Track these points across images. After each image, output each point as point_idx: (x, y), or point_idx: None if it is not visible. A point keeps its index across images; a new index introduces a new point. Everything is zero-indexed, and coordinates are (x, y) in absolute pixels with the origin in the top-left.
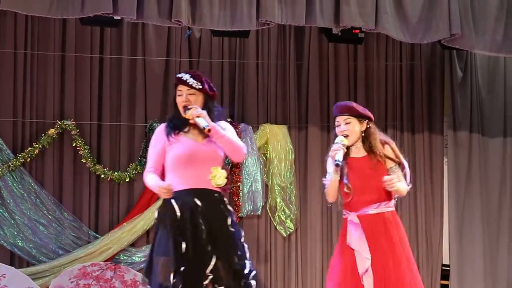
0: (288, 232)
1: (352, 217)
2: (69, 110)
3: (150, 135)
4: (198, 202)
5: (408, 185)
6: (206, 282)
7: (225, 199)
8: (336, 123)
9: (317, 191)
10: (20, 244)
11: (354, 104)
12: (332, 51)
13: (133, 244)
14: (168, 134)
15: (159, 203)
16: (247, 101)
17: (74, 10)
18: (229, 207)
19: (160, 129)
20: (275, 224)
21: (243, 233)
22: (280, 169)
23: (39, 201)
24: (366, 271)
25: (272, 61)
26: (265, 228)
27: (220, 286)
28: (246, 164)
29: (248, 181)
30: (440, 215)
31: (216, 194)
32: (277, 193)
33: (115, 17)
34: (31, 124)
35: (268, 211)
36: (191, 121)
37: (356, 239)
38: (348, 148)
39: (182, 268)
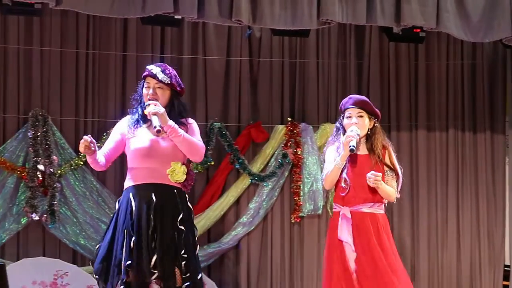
0: None
1: (345, 211)
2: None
3: (211, 135)
4: (154, 197)
5: (397, 193)
6: (153, 277)
7: (186, 195)
8: (348, 114)
9: None
10: (82, 242)
11: (368, 100)
12: (393, 51)
13: None
14: (129, 126)
15: (219, 202)
16: (308, 100)
17: (135, 9)
18: (187, 204)
19: (124, 120)
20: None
21: (197, 233)
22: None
23: (101, 199)
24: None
25: (332, 60)
26: (325, 228)
27: (168, 282)
28: (307, 163)
29: (309, 180)
30: (502, 215)
31: (175, 190)
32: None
33: (175, 17)
34: (93, 123)
35: (329, 210)
36: (148, 117)
37: (346, 232)
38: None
39: (128, 262)
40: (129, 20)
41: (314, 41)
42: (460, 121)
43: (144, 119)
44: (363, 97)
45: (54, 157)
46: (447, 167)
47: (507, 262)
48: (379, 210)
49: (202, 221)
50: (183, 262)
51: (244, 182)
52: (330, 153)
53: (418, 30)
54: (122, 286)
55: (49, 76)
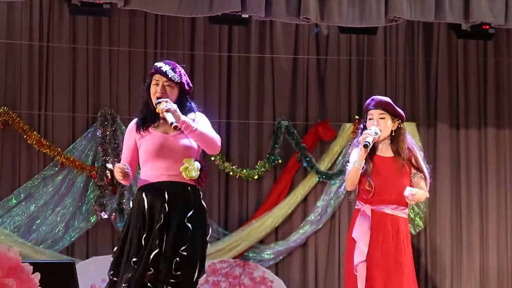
0: (418, 230)
1: (365, 208)
2: (198, 108)
3: (279, 133)
4: (166, 195)
5: (427, 193)
6: (148, 273)
7: (200, 193)
8: (369, 116)
9: (446, 188)
10: None
11: (391, 101)
12: (462, 47)
13: (262, 241)
14: (137, 129)
15: (287, 200)
16: None
17: (202, 9)
18: (200, 202)
19: (131, 125)
20: None
21: (209, 231)
22: None
23: None
24: (358, 265)
25: (400, 58)
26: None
27: (160, 281)
28: None
29: None
30: None
31: (188, 187)
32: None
33: (243, 15)
34: None
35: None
36: (160, 115)
37: (360, 231)
38: (374, 144)
39: (134, 260)
40: (196, 19)
41: (382, 38)
42: None
43: (153, 117)
44: (386, 98)
45: None
46: None
47: None
48: (402, 214)
49: (270, 220)
50: (177, 258)
51: (311, 180)
52: (354, 153)
53: (487, 26)
54: (126, 285)
55: (117, 75)
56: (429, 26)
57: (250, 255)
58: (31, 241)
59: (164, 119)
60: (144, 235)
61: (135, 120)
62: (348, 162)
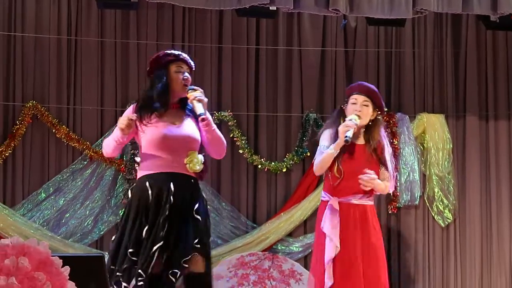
0: (447, 223)
1: (333, 201)
2: (226, 101)
3: (307, 126)
4: (172, 187)
5: (390, 189)
6: (152, 264)
7: (200, 185)
8: (352, 100)
9: (476, 180)
10: None
11: (377, 90)
12: (490, 39)
13: (290, 234)
14: (142, 116)
15: (315, 193)
16: (404, 90)
17: (230, 1)
18: (203, 195)
19: (130, 109)
20: (433, 215)
21: (210, 222)
22: (437, 159)
23: None
24: (329, 261)
25: (428, 49)
26: (422, 219)
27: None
28: (403, 153)
29: (406, 171)
30: None
31: (192, 180)
32: (435, 183)
33: (271, 8)
34: None
35: (426, 201)
36: (189, 101)
37: (330, 225)
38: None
39: (129, 251)
40: (224, 12)
41: (410, 30)
42: None
43: (163, 105)
44: (372, 86)
45: None
46: None
47: None
48: (369, 201)
49: (299, 212)
50: (200, 247)
51: None
52: (326, 136)
53: None
54: (120, 274)
55: (145, 69)
56: (457, 17)
57: (279, 248)
58: (60, 235)
59: (175, 107)
60: (146, 226)
61: (134, 105)
62: (319, 146)
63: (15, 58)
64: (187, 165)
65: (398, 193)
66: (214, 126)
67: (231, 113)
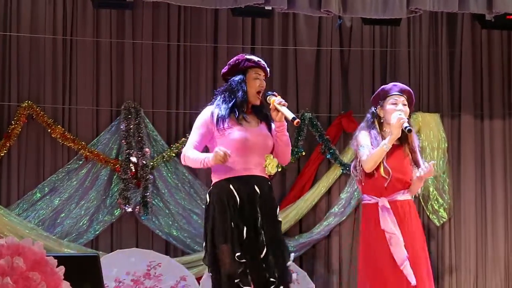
0: (442, 222)
1: (383, 202)
2: None
3: (302, 125)
4: (257, 190)
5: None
6: (261, 269)
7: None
8: (393, 100)
9: (470, 179)
10: (174, 233)
11: (412, 92)
12: (486, 38)
13: (285, 233)
14: (221, 119)
15: (311, 192)
16: None
17: (226, 0)
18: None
19: (207, 113)
20: (428, 213)
21: None
22: (432, 158)
23: (193, 191)
24: (404, 261)
25: (424, 49)
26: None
27: (271, 277)
28: None
29: None
30: None
31: (269, 182)
32: (429, 182)
33: (266, 7)
34: (184, 115)
35: (421, 200)
36: (272, 107)
37: (391, 223)
38: (386, 131)
39: (237, 254)
40: (220, 11)
41: (405, 29)
42: None
43: (241, 110)
44: (409, 88)
45: (147, 149)
46: None
47: None
48: (409, 196)
49: (294, 212)
50: (284, 255)
51: (335, 172)
52: (365, 136)
53: (511, 17)
54: (238, 280)
55: (141, 68)
56: (452, 16)
57: None
58: (56, 234)
59: (252, 112)
60: (245, 228)
61: (211, 108)
62: (361, 146)
63: (11, 58)
64: (266, 168)
65: None
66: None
67: None
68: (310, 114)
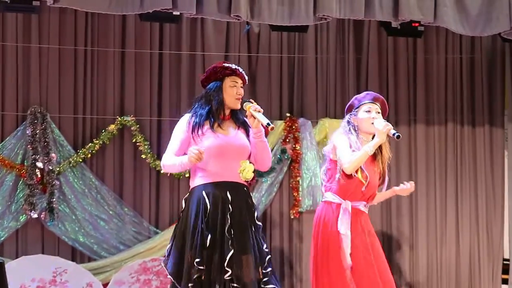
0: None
1: (347, 205)
2: (129, 106)
3: None
4: (229, 196)
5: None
6: (226, 276)
7: (250, 192)
8: (367, 108)
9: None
10: (81, 239)
11: (385, 101)
12: (392, 45)
13: None
14: (196, 126)
15: None
16: (306, 95)
17: (133, 6)
18: (254, 201)
19: (185, 120)
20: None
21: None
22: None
23: (100, 196)
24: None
25: (331, 55)
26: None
27: (238, 283)
28: (306, 159)
29: (308, 175)
30: (501, 209)
31: (244, 188)
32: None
33: (174, 13)
34: (91, 120)
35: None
36: (248, 114)
37: (346, 226)
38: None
39: (196, 260)
40: (127, 16)
41: (313, 36)
42: (459, 115)
43: (217, 117)
44: (382, 97)
45: (53, 155)
46: (446, 161)
47: (506, 256)
48: (366, 210)
49: None
50: (268, 257)
51: None
52: (344, 140)
53: (417, 24)
54: (191, 284)
55: (47, 73)
56: (359, 23)
57: None
58: None
59: (229, 119)
60: (209, 235)
61: (188, 115)
62: (342, 149)
63: None
64: (241, 174)
65: (300, 198)
66: (265, 138)
67: (133, 118)
68: None
